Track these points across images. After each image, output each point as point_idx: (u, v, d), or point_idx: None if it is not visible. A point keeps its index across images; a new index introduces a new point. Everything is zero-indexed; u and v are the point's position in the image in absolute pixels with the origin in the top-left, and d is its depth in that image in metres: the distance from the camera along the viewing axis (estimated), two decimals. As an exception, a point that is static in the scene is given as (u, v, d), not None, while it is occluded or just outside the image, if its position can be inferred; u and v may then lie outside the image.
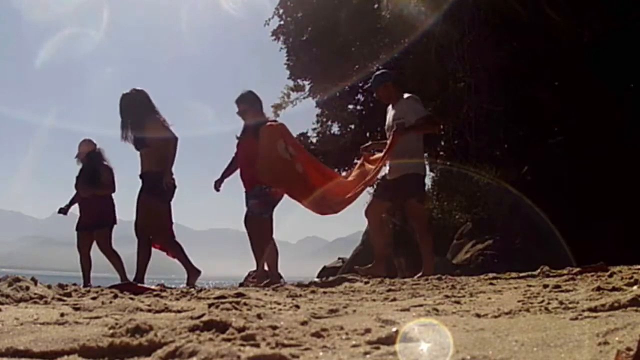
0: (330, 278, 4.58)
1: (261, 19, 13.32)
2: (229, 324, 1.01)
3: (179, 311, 1.61)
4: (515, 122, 9.14)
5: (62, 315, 1.41)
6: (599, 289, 1.77)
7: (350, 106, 13.37)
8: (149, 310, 1.63)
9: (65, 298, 2.10)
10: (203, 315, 1.17)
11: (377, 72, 5.21)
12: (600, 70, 7.91)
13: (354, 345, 0.92)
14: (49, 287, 2.45)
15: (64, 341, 0.98)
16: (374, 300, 2.15)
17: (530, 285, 2.43)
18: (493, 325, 1.18)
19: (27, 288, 2.10)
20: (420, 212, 4.97)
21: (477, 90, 8.83)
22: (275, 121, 5.06)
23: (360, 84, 12.70)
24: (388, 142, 4.67)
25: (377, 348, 0.88)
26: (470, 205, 10.62)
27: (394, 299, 2.12)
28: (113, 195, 5.72)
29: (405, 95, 4.82)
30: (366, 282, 3.49)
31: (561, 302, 1.55)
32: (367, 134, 13.27)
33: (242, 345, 0.89)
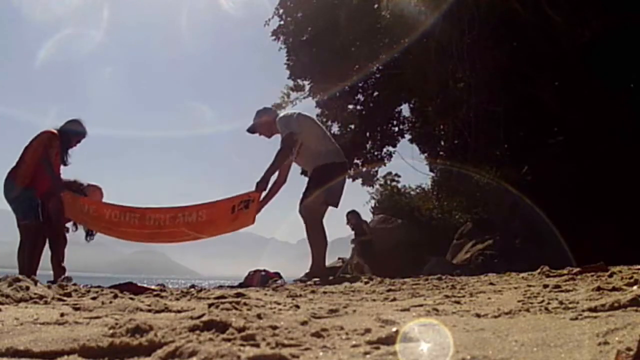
0: (330, 278, 4.58)
1: (261, 19, 13.34)
2: (229, 324, 1.01)
3: (179, 311, 1.61)
4: (515, 122, 9.14)
5: (62, 315, 1.41)
6: (599, 289, 1.77)
7: (350, 106, 13.39)
8: (149, 310, 1.63)
9: (65, 298, 2.10)
10: (203, 315, 1.17)
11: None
12: (600, 70, 7.92)
13: (354, 345, 0.92)
14: (49, 287, 2.45)
15: (64, 341, 0.98)
16: (374, 300, 2.15)
17: (530, 285, 2.43)
18: (493, 325, 1.18)
19: (27, 288, 2.10)
20: (309, 206, 4.59)
21: (477, 90, 8.83)
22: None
23: (360, 84, 12.71)
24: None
25: (377, 348, 0.88)
26: (470, 205, 10.64)
27: (394, 299, 2.13)
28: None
29: (277, 120, 4.77)
30: (366, 282, 3.49)
31: (561, 302, 1.55)
32: (367, 134, 13.30)
33: (242, 345, 0.89)
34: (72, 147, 5.15)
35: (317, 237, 4.60)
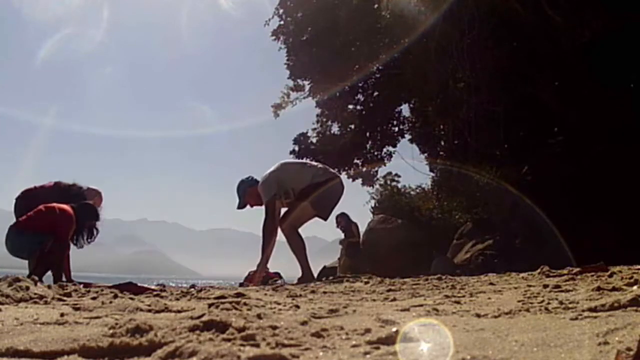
0: (331, 278, 4.59)
1: (261, 19, 13.34)
2: (229, 324, 1.01)
3: (179, 311, 1.61)
4: (515, 122, 9.14)
5: (62, 315, 1.41)
6: (599, 289, 1.77)
7: (350, 106, 13.39)
8: (149, 310, 1.63)
9: (65, 298, 2.10)
10: (203, 315, 1.17)
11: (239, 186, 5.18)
12: (600, 70, 7.91)
13: (354, 345, 0.92)
14: (49, 287, 2.45)
15: (64, 341, 0.98)
16: (374, 300, 2.15)
17: (530, 285, 2.43)
18: (493, 325, 1.18)
19: (27, 288, 2.10)
20: (286, 217, 4.82)
21: (477, 90, 8.83)
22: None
23: (360, 84, 12.71)
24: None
25: (377, 348, 0.88)
26: (470, 205, 10.63)
27: (394, 299, 2.13)
28: None
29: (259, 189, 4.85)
30: (366, 282, 3.49)
31: (561, 302, 1.55)
32: (367, 134, 13.30)
33: (242, 345, 0.89)
34: (84, 231, 4.94)
35: (296, 244, 4.76)
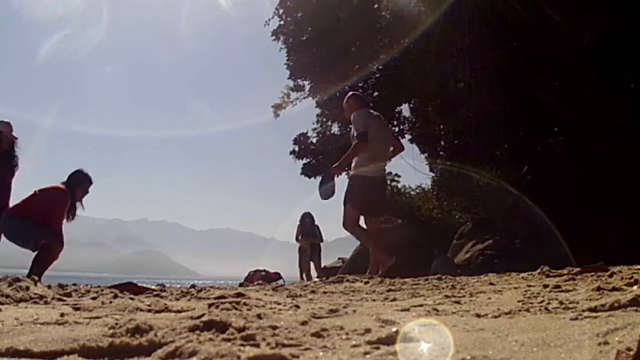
0: (331, 278, 4.58)
1: (261, 19, 13.34)
2: (229, 324, 1.01)
3: (179, 311, 1.61)
4: (515, 122, 9.14)
5: (62, 315, 1.41)
6: (599, 289, 1.77)
7: (351, 106, 13.38)
8: (149, 310, 1.63)
9: (65, 298, 2.10)
10: (203, 315, 1.17)
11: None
12: (600, 70, 7.91)
13: (354, 345, 0.92)
14: (49, 287, 2.45)
15: (64, 341, 0.98)
16: (374, 300, 2.15)
17: (530, 285, 2.43)
18: (493, 325, 1.18)
19: (27, 288, 2.10)
20: (347, 219, 5.11)
21: (477, 90, 8.83)
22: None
23: (360, 84, 12.71)
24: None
25: (377, 348, 0.88)
26: (470, 205, 10.63)
27: (394, 299, 2.12)
28: None
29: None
30: (366, 282, 3.49)
31: (561, 302, 1.55)
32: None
33: (242, 345, 0.89)
34: (80, 200, 5.23)
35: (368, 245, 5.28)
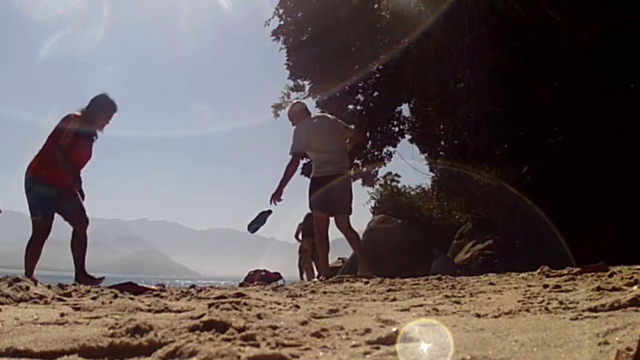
0: (330, 278, 4.58)
1: (261, 19, 13.33)
2: (229, 324, 1.01)
3: (179, 311, 1.61)
4: (515, 122, 9.14)
5: (62, 315, 1.41)
6: (599, 289, 1.77)
7: (350, 106, 13.37)
8: (149, 310, 1.63)
9: (65, 298, 2.10)
10: (203, 315, 1.17)
11: None
12: (600, 70, 7.91)
13: (354, 345, 0.92)
14: (49, 287, 2.45)
15: (64, 341, 0.98)
16: (374, 300, 2.15)
17: (530, 285, 2.43)
18: (493, 325, 1.18)
19: (27, 288, 2.10)
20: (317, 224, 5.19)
21: (477, 90, 8.83)
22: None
23: (360, 84, 12.70)
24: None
25: (377, 348, 0.88)
26: (470, 205, 10.63)
27: (394, 299, 2.12)
28: None
29: None
30: (366, 282, 3.49)
31: (561, 302, 1.55)
32: (367, 134, 13.29)
33: (242, 345, 0.89)
34: (102, 128, 4.69)
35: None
